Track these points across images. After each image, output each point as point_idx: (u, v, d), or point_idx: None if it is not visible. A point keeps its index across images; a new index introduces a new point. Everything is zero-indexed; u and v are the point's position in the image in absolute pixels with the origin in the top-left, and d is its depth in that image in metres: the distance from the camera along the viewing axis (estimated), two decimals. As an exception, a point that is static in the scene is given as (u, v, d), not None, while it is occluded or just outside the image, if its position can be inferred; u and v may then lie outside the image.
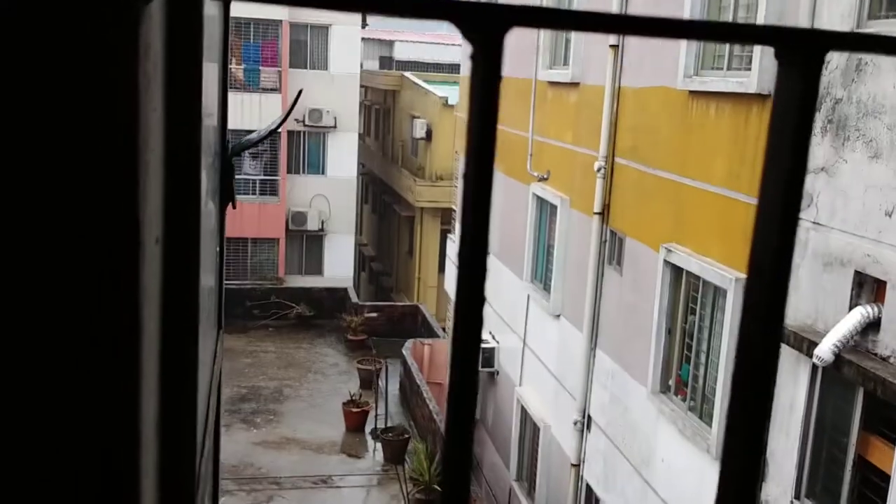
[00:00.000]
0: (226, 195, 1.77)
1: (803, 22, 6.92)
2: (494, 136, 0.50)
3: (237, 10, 23.88)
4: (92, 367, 0.49)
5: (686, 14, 8.70)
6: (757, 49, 7.56)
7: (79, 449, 0.52)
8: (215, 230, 1.64)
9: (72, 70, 0.47)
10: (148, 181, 0.57)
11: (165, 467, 0.84)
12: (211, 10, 1.34)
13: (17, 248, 0.48)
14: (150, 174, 0.58)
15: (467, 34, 0.50)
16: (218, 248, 1.75)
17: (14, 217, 0.48)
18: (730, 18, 8.25)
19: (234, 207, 1.88)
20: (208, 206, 1.45)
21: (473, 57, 0.49)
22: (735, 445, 0.52)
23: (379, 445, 17.07)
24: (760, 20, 7.47)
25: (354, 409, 17.96)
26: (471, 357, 0.49)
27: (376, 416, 17.81)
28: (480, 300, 0.49)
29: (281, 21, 25.16)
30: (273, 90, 25.25)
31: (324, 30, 26.24)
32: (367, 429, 17.95)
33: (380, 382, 18.80)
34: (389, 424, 17.65)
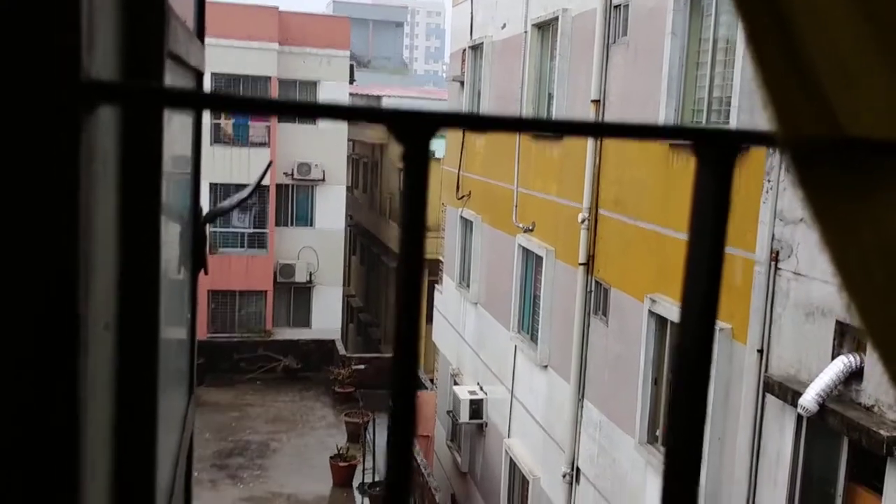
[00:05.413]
0: (197, 263, 1.80)
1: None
2: (424, 227, 0.53)
3: (227, 67, 24.13)
4: (28, 462, 0.51)
5: (664, 81, 8.88)
6: (735, 101, 7.71)
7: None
8: (187, 299, 1.67)
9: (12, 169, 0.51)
10: (94, 271, 0.59)
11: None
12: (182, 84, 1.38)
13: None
14: (97, 264, 0.61)
15: (398, 137, 0.54)
16: (189, 315, 1.78)
17: None
18: (706, 85, 8.44)
19: (206, 273, 1.91)
20: (180, 275, 1.47)
21: (404, 157, 0.54)
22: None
23: (367, 500, 16.83)
24: (735, 93, 7.64)
25: (342, 464, 17.75)
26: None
27: (363, 470, 17.59)
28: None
29: (270, 77, 25.44)
30: (262, 144, 25.42)
31: (312, 85, 26.52)
32: (355, 483, 17.73)
33: (367, 436, 18.62)
34: (377, 479, 17.43)
